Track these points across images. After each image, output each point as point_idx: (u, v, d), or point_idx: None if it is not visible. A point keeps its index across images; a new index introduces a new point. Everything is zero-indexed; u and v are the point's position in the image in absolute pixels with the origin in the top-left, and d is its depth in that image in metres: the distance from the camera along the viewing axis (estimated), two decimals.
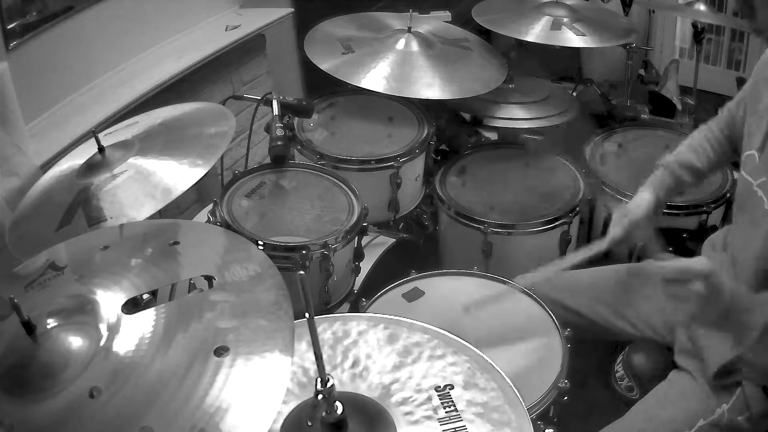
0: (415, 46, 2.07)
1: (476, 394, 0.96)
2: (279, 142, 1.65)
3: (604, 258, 1.51)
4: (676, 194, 1.54)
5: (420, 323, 1.09)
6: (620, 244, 1.45)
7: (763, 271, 1.24)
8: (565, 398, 1.30)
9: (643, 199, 1.47)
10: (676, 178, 1.50)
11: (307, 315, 0.80)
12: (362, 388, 0.98)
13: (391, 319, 1.10)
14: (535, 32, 2.08)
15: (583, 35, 2.08)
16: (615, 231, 1.45)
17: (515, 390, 0.98)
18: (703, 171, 1.52)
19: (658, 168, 1.53)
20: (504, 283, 1.55)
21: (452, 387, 0.97)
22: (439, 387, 0.97)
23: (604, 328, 1.55)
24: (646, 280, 1.44)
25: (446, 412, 0.93)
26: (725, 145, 1.51)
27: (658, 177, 1.51)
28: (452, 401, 0.95)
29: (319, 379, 0.85)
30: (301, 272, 0.78)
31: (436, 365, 1.01)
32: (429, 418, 0.92)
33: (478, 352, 1.04)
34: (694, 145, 1.53)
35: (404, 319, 1.10)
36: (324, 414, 0.87)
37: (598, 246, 1.44)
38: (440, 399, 0.95)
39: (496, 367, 1.02)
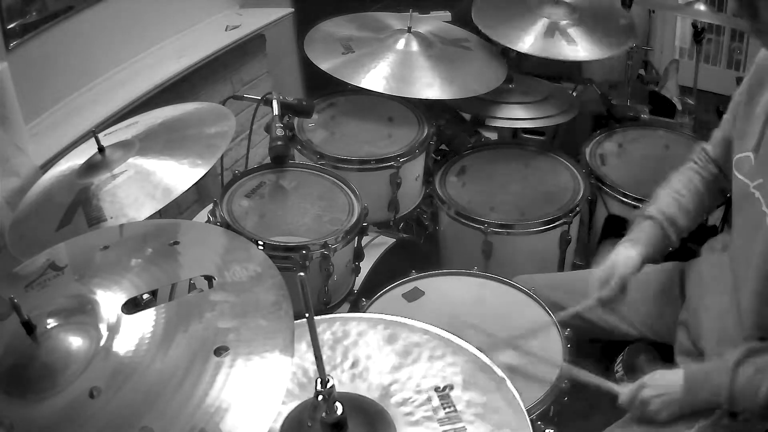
0: (415, 46, 2.07)
1: (476, 395, 0.96)
2: (279, 142, 1.65)
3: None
4: (657, 254, 1.46)
5: (420, 324, 1.09)
6: (607, 303, 1.42)
7: (765, 272, 1.24)
8: (565, 398, 1.30)
9: (630, 257, 1.40)
10: (663, 233, 1.44)
11: (306, 316, 0.80)
12: (362, 389, 0.98)
13: (392, 320, 1.10)
14: (531, 41, 2.07)
15: (576, 44, 2.07)
16: (603, 293, 1.39)
17: (514, 391, 0.98)
18: (685, 228, 1.46)
19: (643, 220, 1.46)
20: (504, 283, 1.55)
21: (452, 388, 0.97)
22: (439, 388, 0.97)
23: (604, 329, 1.55)
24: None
25: (446, 413, 0.93)
26: (706, 196, 1.48)
27: (647, 232, 1.44)
28: (452, 402, 0.95)
29: (318, 380, 0.85)
30: (301, 273, 0.78)
31: (436, 366, 1.01)
32: (429, 418, 0.92)
33: (478, 353, 1.04)
34: (678, 199, 1.46)
35: (404, 320, 1.10)
36: (324, 414, 0.87)
37: (586, 304, 1.41)
38: (440, 400, 0.95)
39: (495, 367, 1.02)
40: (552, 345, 1.37)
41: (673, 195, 1.48)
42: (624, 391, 1.27)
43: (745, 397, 1.17)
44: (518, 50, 2.09)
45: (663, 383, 1.25)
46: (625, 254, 1.41)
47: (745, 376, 1.16)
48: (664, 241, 1.44)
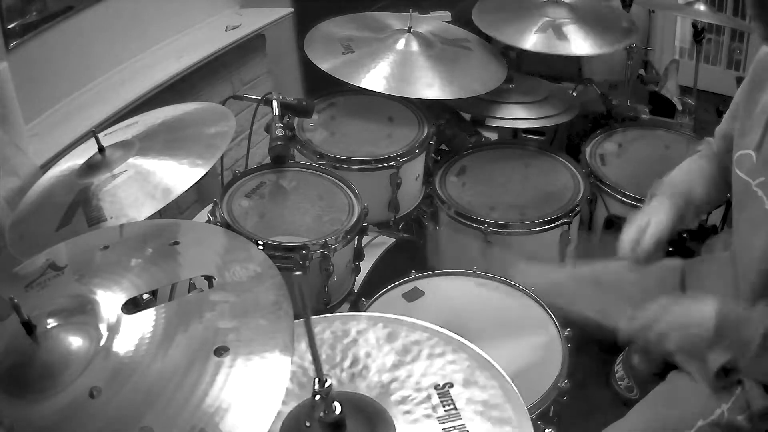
0: (415, 46, 2.07)
1: (476, 392, 0.96)
2: (279, 142, 1.65)
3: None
4: (677, 227, 1.38)
5: (419, 322, 1.09)
6: (643, 263, 1.32)
7: (766, 271, 1.24)
8: (565, 398, 1.30)
9: (660, 219, 1.33)
10: (679, 208, 1.38)
11: (303, 315, 0.80)
12: (362, 387, 0.98)
13: (391, 318, 1.10)
14: (535, 39, 2.07)
15: (576, 40, 2.07)
16: (638, 252, 1.30)
17: (515, 388, 0.98)
18: (701, 205, 1.42)
19: (660, 195, 1.41)
20: (504, 283, 1.55)
21: (452, 385, 0.97)
22: (439, 385, 0.97)
23: (604, 329, 1.55)
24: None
25: (446, 411, 0.93)
26: (718, 178, 1.44)
27: (666, 204, 1.38)
28: (452, 399, 0.95)
29: (316, 380, 0.85)
30: (298, 272, 0.78)
31: (436, 363, 1.01)
32: (428, 416, 0.92)
33: (478, 350, 1.04)
34: (694, 182, 1.42)
35: (404, 318, 1.10)
36: (322, 414, 0.87)
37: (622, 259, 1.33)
38: (440, 397, 0.95)
39: (496, 364, 1.02)
40: (552, 345, 1.37)
41: (685, 175, 1.45)
42: (638, 316, 1.17)
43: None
44: (518, 46, 2.10)
45: (692, 315, 1.14)
46: (655, 217, 1.35)
47: None
48: (681, 216, 1.38)
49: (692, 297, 1.18)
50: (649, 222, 1.34)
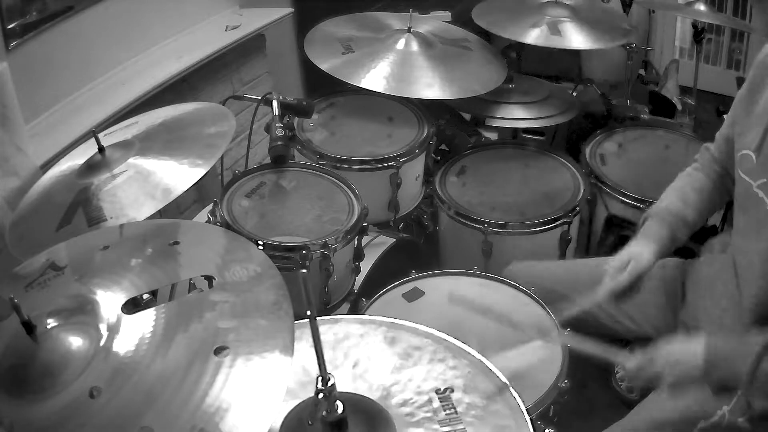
0: (415, 46, 2.07)
1: (476, 398, 0.96)
2: (279, 142, 1.65)
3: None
4: (667, 253, 1.47)
5: (423, 328, 1.09)
6: (619, 295, 1.40)
7: None
8: (565, 398, 1.30)
9: (643, 253, 1.42)
10: (671, 232, 1.44)
11: (308, 313, 0.80)
12: (363, 390, 0.98)
13: (393, 323, 1.10)
14: (534, 34, 2.08)
15: (576, 36, 2.08)
16: (616, 283, 1.39)
17: (515, 394, 0.98)
18: (694, 223, 1.46)
19: (650, 219, 1.47)
20: (504, 283, 1.55)
21: (452, 390, 0.97)
22: (440, 390, 0.97)
23: (605, 329, 1.55)
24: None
25: (446, 415, 0.93)
26: (713, 194, 1.48)
27: (656, 231, 1.45)
28: (452, 404, 0.95)
29: (319, 378, 0.85)
30: (304, 270, 0.78)
31: (437, 368, 1.01)
32: (429, 419, 0.93)
33: (479, 356, 1.05)
34: (684, 198, 1.47)
35: (407, 323, 1.10)
36: (324, 413, 0.87)
37: (597, 296, 1.40)
38: (440, 401, 0.95)
39: (496, 372, 1.02)
40: (552, 345, 1.37)
41: (679, 193, 1.48)
42: (634, 357, 1.22)
43: (764, 386, 1.13)
44: (518, 40, 2.10)
45: (683, 353, 1.18)
46: (638, 250, 1.43)
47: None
48: (673, 240, 1.45)
49: (684, 336, 1.23)
50: (630, 261, 1.42)
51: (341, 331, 1.09)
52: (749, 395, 1.16)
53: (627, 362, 1.22)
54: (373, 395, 0.97)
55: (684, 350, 1.20)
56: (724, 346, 1.19)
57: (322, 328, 1.06)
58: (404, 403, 0.95)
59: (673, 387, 1.19)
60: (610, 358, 1.24)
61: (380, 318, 1.13)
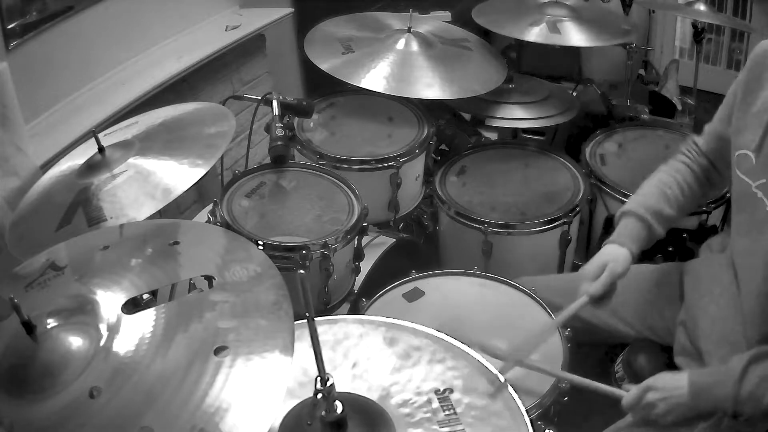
0: (415, 46, 2.07)
1: (475, 398, 0.96)
2: (279, 142, 1.65)
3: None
4: (646, 247, 1.43)
5: (422, 328, 1.09)
6: (598, 300, 1.37)
7: None
8: (565, 398, 1.30)
9: (619, 254, 1.38)
10: (647, 228, 1.41)
11: (306, 314, 0.80)
12: (362, 390, 0.98)
13: (394, 323, 1.10)
14: (535, 32, 2.08)
15: (576, 34, 2.08)
16: (593, 288, 1.35)
17: (514, 395, 0.98)
18: (672, 217, 1.44)
19: (626, 217, 1.43)
20: (504, 283, 1.55)
21: (452, 391, 0.97)
22: (439, 390, 0.97)
23: (603, 331, 1.55)
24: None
25: (446, 415, 0.93)
26: (696, 187, 1.46)
27: (631, 229, 1.42)
28: (452, 405, 0.95)
29: (318, 378, 0.85)
30: (302, 271, 0.78)
31: (436, 369, 1.01)
32: (428, 420, 0.93)
33: (478, 357, 1.05)
34: (664, 190, 1.44)
35: (406, 323, 1.10)
36: (324, 413, 0.87)
37: (578, 303, 1.36)
38: (440, 402, 0.95)
39: (495, 371, 1.02)
40: (552, 345, 1.37)
41: (659, 186, 1.46)
42: (627, 394, 1.26)
43: (750, 405, 1.16)
44: (517, 38, 2.10)
45: (669, 387, 1.23)
46: (614, 252, 1.39)
47: (750, 384, 1.16)
48: (650, 236, 1.42)
49: (670, 373, 1.26)
50: (606, 264, 1.37)
51: (341, 332, 1.09)
52: (739, 415, 1.18)
53: (624, 399, 1.25)
54: (373, 395, 0.97)
55: (670, 386, 1.23)
56: (706, 378, 1.22)
57: (321, 328, 1.07)
58: (403, 404, 0.95)
59: (665, 418, 1.23)
60: (607, 392, 1.28)
61: (380, 318, 1.13)
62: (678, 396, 1.21)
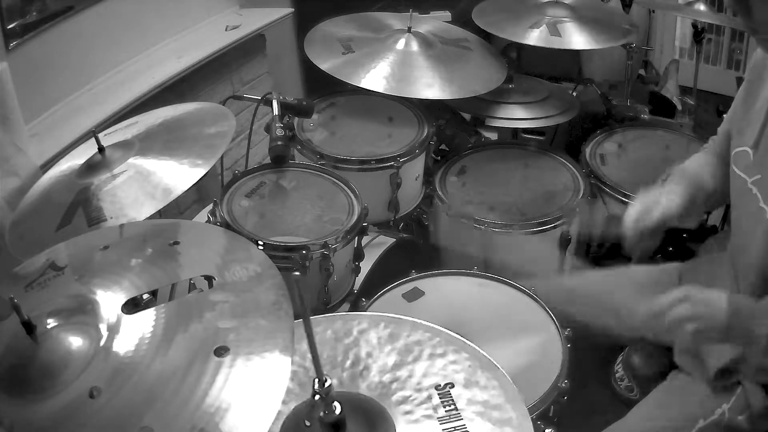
0: (415, 46, 2.07)
1: (477, 393, 0.96)
2: (279, 142, 1.65)
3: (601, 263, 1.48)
4: (689, 213, 1.37)
5: (422, 322, 1.09)
6: (641, 240, 1.31)
7: (765, 268, 1.24)
8: (565, 398, 1.30)
9: (672, 200, 1.33)
10: (694, 194, 1.37)
11: (302, 316, 0.80)
12: (362, 388, 0.98)
13: (393, 317, 1.10)
14: (535, 35, 2.08)
15: (576, 36, 2.08)
16: (642, 224, 1.28)
17: (515, 388, 0.98)
18: (712, 197, 1.40)
19: (672, 177, 1.40)
20: (504, 283, 1.55)
21: (452, 385, 0.97)
22: (440, 386, 0.97)
23: (604, 330, 1.55)
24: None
25: (446, 411, 0.93)
26: (726, 174, 1.43)
27: (682, 186, 1.37)
28: (452, 400, 0.95)
29: (316, 380, 0.85)
30: (296, 272, 0.78)
31: (437, 363, 1.01)
32: (429, 417, 0.92)
33: (479, 349, 1.04)
34: (703, 168, 1.43)
35: (406, 318, 1.10)
36: (322, 414, 0.87)
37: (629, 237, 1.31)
38: (440, 398, 0.95)
39: (497, 364, 1.01)
40: (553, 345, 1.37)
41: (697, 162, 1.45)
42: (663, 297, 1.16)
43: None
44: (518, 41, 2.10)
45: (710, 302, 1.13)
46: (667, 196, 1.34)
47: None
48: (693, 202, 1.37)
49: (708, 290, 1.17)
50: (659, 201, 1.33)
51: (340, 329, 1.09)
52: (762, 360, 1.13)
53: (648, 307, 1.17)
54: (372, 393, 0.97)
55: (710, 302, 1.14)
56: (745, 305, 1.15)
57: (320, 327, 1.07)
58: (404, 401, 0.95)
59: (692, 339, 1.14)
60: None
61: (378, 313, 1.13)
62: (715, 320, 1.12)
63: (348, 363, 1.02)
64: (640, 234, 1.32)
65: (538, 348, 1.36)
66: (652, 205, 1.34)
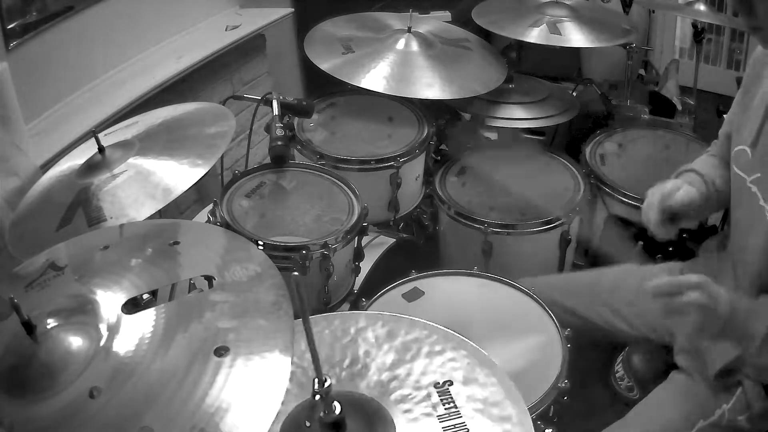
0: (415, 46, 2.07)
1: (476, 390, 0.96)
2: (279, 142, 1.65)
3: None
4: (701, 208, 1.40)
5: (420, 320, 1.09)
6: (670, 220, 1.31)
7: (765, 267, 1.24)
8: (565, 398, 1.30)
9: (689, 190, 1.35)
10: (707, 190, 1.39)
11: (302, 316, 0.80)
12: (361, 387, 0.98)
13: (391, 316, 1.10)
14: (535, 33, 2.08)
15: (576, 35, 2.08)
16: (681, 195, 1.30)
17: (514, 385, 0.98)
18: (722, 193, 1.41)
19: (688, 173, 1.42)
20: (504, 283, 1.55)
21: (451, 383, 0.97)
22: (438, 383, 0.97)
23: (603, 329, 1.55)
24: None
25: (445, 409, 0.93)
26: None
27: (696, 180, 1.39)
28: (451, 397, 0.94)
29: (316, 380, 0.85)
30: (295, 273, 0.78)
31: (436, 361, 1.01)
32: (428, 415, 0.92)
33: (477, 347, 1.04)
34: (710, 167, 1.43)
35: (403, 316, 1.10)
36: (322, 414, 0.87)
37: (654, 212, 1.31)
38: (439, 396, 0.95)
39: (495, 361, 1.01)
40: (553, 345, 1.37)
41: (704, 162, 1.46)
42: (683, 277, 1.15)
43: None
44: (518, 38, 2.10)
45: (719, 298, 1.13)
46: (685, 186, 1.36)
47: None
48: (709, 198, 1.40)
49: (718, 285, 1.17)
50: (681, 186, 1.35)
51: (339, 328, 1.08)
52: (758, 359, 1.13)
53: (668, 278, 1.16)
54: (371, 392, 0.97)
55: (718, 291, 1.14)
56: (743, 303, 1.15)
57: (320, 326, 1.07)
58: (403, 399, 0.95)
59: (694, 326, 1.14)
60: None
61: (377, 312, 1.13)
62: (717, 313, 1.13)
63: (346, 362, 1.02)
64: (663, 213, 1.33)
65: (538, 348, 1.36)
66: (674, 189, 1.36)
